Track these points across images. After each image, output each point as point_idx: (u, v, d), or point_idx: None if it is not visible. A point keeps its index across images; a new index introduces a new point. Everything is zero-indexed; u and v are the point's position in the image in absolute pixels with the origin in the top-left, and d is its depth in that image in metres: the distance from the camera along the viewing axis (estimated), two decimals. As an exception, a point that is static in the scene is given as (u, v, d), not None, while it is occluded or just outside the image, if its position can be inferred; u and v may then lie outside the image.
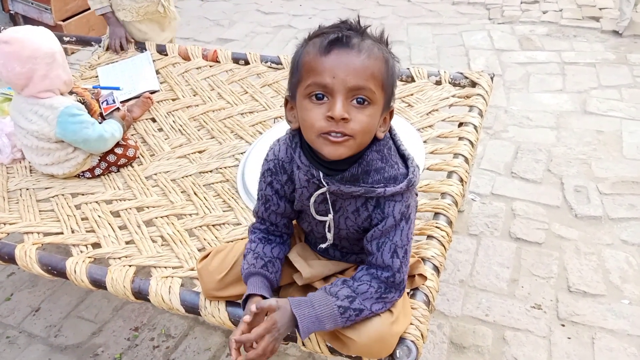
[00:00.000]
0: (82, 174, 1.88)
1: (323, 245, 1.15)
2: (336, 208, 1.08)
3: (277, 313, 1.01)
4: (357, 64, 0.92)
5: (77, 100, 1.83)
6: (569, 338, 1.81)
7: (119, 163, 1.89)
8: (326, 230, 1.11)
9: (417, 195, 1.13)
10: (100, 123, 1.86)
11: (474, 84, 2.06)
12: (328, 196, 1.05)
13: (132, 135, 2.07)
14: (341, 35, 0.94)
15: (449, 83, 2.09)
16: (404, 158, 1.06)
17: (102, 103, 2.00)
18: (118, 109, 2.02)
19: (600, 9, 4.04)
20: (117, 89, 2.34)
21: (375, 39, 0.98)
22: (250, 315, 1.01)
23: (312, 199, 1.06)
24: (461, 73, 2.10)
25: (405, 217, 1.03)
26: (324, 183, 1.02)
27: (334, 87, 0.92)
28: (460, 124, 1.89)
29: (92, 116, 1.84)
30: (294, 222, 1.30)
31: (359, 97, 0.93)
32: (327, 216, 1.08)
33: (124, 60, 2.52)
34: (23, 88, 1.73)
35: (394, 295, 1.08)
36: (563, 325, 1.85)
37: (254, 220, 1.24)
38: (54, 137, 1.75)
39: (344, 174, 1.00)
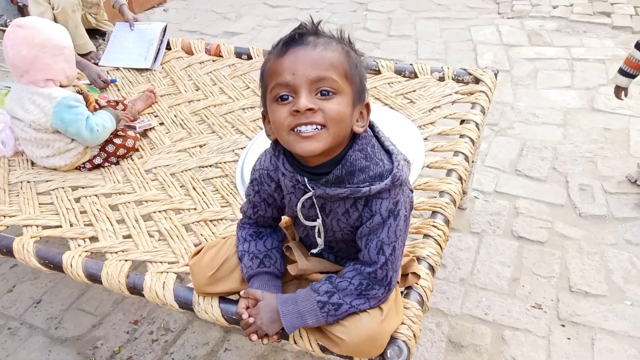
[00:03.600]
0: (82, 165, 1.89)
1: (314, 251, 1.14)
2: (326, 211, 1.07)
3: (260, 303, 1.12)
4: (315, 57, 0.92)
5: (76, 92, 1.84)
6: (569, 338, 1.79)
7: (117, 153, 1.90)
8: (316, 235, 1.10)
9: (412, 191, 1.11)
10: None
11: (477, 81, 2.03)
12: (315, 201, 1.04)
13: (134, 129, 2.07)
14: (295, 35, 0.94)
15: (453, 79, 2.07)
16: (389, 153, 1.04)
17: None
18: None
19: (611, 4, 3.98)
20: (115, 80, 2.38)
21: (332, 35, 0.98)
22: (242, 296, 1.14)
23: (299, 205, 1.05)
24: (465, 69, 2.07)
25: (394, 214, 1.01)
26: (309, 188, 1.00)
27: (295, 84, 0.92)
28: (462, 121, 1.87)
29: (87, 107, 1.86)
30: (290, 222, 1.30)
31: (322, 89, 0.92)
32: (316, 221, 1.07)
33: (142, 25, 2.63)
34: (23, 74, 1.76)
35: (377, 291, 1.06)
36: (563, 326, 1.83)
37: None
38: (50, 127, 1.77)
39: (328, 177, 0.99)
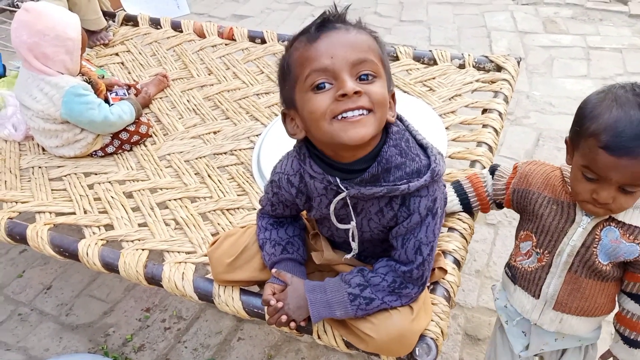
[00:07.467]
0: (94, 152, 1.84)
1: (348, 256, 1.09)
2: (358, 210, 1.01)
3: (289, 288, 1.09)
4: (352, 39, 0.87)
5: (84, 80, 1.79)
6: (588, 333, 1.76)
7: (131, 140, 1.86)
8: (350, 239, 1.04)
9: (444, 186, 1.07)
10: (110, 105, 1.83)
11: (499, 69, 1.98)
12: (348, 200, 0.98)
13: (146, 113, 2.02)
14: (325, 18, 0.88)
15: (473, 67, 2.01)
16: (423, 148, 0.99)
17: (111, 94, 1.95)
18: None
19: (629, -9, 3.89)
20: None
21: (357, 23, 0.93)
22: (274, 276, 1.11)
23: (332, 206, 0.99)
24: (486, 56, 2.02)
25: (432, 213, 0.97)
26: (343, 188, 0.95)
27: (334, 67, 0.85)
28: (484, 110, 1.82)
29: (98, 96, 1.80)
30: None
31: (362, 73, 0.86)
32: (350, 224, 1.01)
33: None
34: (24, 60, 1.71)
35: (411, 290, 1.03)
36: (582, 320, 1.81)
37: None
38: (59, 117, 1.72)
39: (363, 175, 0.93)
